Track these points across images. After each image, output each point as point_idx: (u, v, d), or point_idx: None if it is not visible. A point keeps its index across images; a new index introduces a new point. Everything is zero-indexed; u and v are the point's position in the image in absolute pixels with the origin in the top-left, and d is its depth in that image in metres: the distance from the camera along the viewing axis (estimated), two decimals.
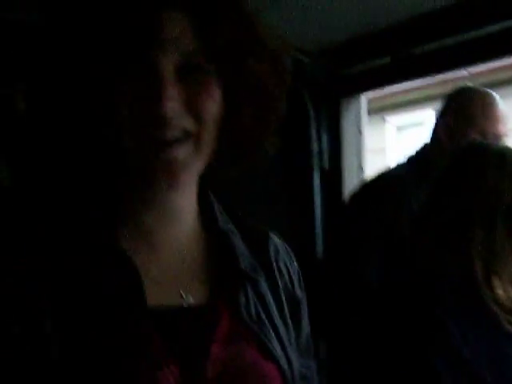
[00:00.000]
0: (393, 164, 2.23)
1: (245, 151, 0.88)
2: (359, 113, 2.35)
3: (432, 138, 2.12)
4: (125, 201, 0.83)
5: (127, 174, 0.81)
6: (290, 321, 0.92)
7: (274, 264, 0.94)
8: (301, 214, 2.22)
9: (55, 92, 0.78)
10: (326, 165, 2.24)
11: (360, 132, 2.35)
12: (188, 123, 0.77)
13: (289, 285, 0.94)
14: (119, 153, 0.78)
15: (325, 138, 2.23)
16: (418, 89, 6.38)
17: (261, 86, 0.83)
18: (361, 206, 2.04)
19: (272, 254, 0.94)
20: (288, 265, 0.96)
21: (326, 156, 2.23)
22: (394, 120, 8.24)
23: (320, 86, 2.19)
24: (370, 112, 2.55)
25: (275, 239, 0.98)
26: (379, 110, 7.32)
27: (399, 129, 8.35)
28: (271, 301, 0.89)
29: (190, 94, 0.77)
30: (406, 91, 6.68)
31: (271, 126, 0.86)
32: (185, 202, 0.85)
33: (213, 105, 0.79)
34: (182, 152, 0.77)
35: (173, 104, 0.74)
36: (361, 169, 2.34)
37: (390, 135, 8.35)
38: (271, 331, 0.86)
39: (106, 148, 0.79)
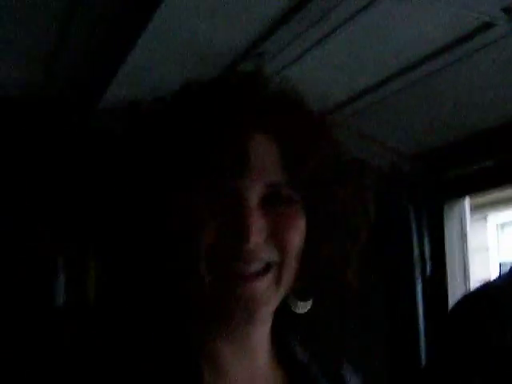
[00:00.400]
0: (495, 265, 2.09)
1: (325, 281, 0.83)
2: (463, 216, 2.24)
3: None
4: (199, 330, 0.79)
5: (202, 305, 0.77)
6: None
7: None
8: (403, 325, 2.09)
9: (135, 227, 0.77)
10: (429, 272, 2.12)
11: (464, 236, 2.23)
12: (271, 255, 0.74)
13: None
14: (193, 283, 0.75)
15: (427, 244, 2.12)
16: None
17: (345, 213, 0.79)
18: (463, 327, 1.91)
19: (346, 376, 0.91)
20: None
21: (428, 263, 2.12)
22: (496, 217, 7.92)
23: (421, 190, 2.12)
24: (471, 209, 2.44)
25: (349, 369, 0.93)
26: (480, 207, 7.06)
27: (502, 226, 7.99)
28: None
29: (274, 224, 0.74)
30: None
31: (353, 256, 0.82)
32: (261, 335, 0.81)
33: (297, 236, 0.76)
34: (261, 286, 0.73)
35: (258, 238, 0.71)
36: (466, 275, 2.21)
37: (492, 233, 8.01)
38: None
39: (180, 278, 0.76)
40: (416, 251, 2.08)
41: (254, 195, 0.72)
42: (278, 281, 0.75)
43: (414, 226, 2.08)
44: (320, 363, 0.87)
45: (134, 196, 0.75)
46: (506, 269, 2.03)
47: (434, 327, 2.10)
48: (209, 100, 0.74)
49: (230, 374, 0.78)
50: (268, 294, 0.74)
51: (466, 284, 2.19)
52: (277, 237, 0.74)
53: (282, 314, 0.83)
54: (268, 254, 0.73)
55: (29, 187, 1.95)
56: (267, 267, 0.74)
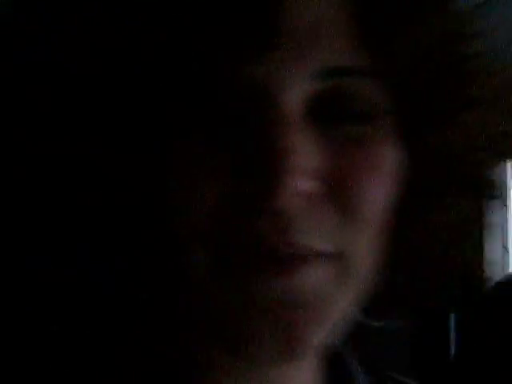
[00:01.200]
0: None
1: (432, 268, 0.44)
2: None
3: None
4: (192, 360, 0.41)
5: (196, 317, 0.39)
6: None
7: None
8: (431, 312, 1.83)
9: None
10: None
11: None
12: (328, 225, 0.36)
13: None
14: (182, 276, 0.37)
15: None
16: None
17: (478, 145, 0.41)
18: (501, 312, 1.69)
19: None
20: None
21: None
22: None
23: None
24: None
25: None
26: None
27: None
28: None
29: (335, 163, 0.36)
30: None
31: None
32: (303, 375, 0.43)
33: (381, 187, 0.38)
34: (312, 280, 0.35)
35: (302, 180, 0.33)
36: None
37: None
38: None
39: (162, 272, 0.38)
40: None
41: (294, 94, 0.34)
42: (343, 271, 0.37)
43: None
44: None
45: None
46: None
47: (465, 311, 1.85)
48: None
49: None
50: (327, 297, 0.36)
51: None
52: (341, 188, 0.36)
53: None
54: (322, 223, 0.35)
55: None
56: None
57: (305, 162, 0.33)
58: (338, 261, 0.37)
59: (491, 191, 0.42)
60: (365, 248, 0.38)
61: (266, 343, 0.35)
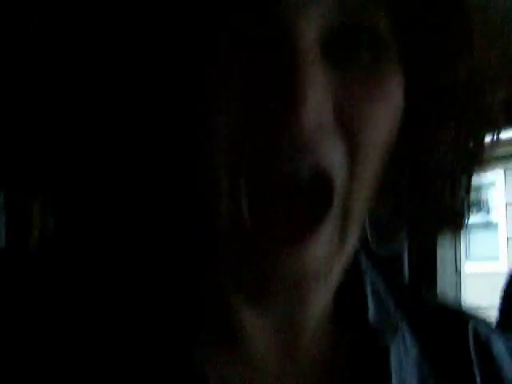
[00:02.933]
0: None
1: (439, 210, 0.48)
2: None
3: None
4: (210, 296, 0.46)
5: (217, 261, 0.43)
6: None
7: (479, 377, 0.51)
8: None
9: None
10: None
11: None
12: (338, 152, 0.40)
13: None
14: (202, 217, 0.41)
15: None
16: None
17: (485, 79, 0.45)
18: None
19: (477, 358, 0.52)
20: None
21: None
22: None
23: None
24: None
25: (484, 331, 0.54)
26: None
27: None
28: None
29: (345, 92, 0.40)
30: None
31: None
32: (315, 308, 0.47)
33: (387, 117, 0.42)
34: (317, 247, 0.40)
35: (317, 110, 0.37)
36: None
37: None
38: None
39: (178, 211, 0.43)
40: None
41: (311, 28, 0.38)
42: (343, 227, 0.41)
43: None
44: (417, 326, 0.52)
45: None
46: None
47: None
48: None
49: (256, 362, 0.47)
50: (328, 260, 0.41)
51: None
52: (350, 119, 0.39)
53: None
54: (331, 155, 0.39)
55: None
56: (328, 189, 0.40)
57: (319, 95, 0.37)
58: (342, 209, 0.41)
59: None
60: (365, 187, 0.42)
61: (279, 300, 0.41)
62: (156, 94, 0.40)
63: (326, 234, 0.40)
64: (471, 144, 0.47)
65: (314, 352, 0.49)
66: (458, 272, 1.71)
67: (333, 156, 0.39)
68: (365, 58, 0.40)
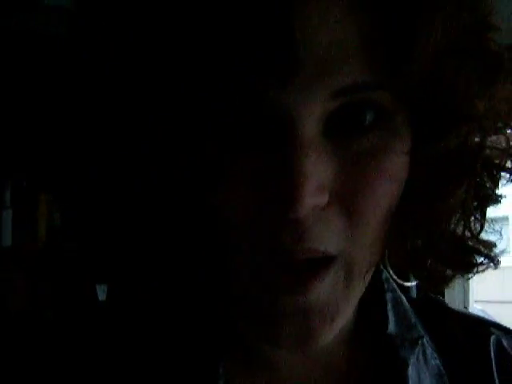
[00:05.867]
0: None
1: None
2: None
3: None
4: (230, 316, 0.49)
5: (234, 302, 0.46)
6: None
7: None
8: None
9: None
10: None
11: None
12: (336, 229, 0.41)
13: None
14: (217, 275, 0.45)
15: None
16: None
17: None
18: None
19: (498, 371, 0.51)
20: None
21: None
22: None
23: None
24: None
25: (509, 342, 0.54)
26: None
27: None
28: None
29: (346, 173, 0.40)
30: None
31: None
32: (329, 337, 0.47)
33: (388, 192, 0.42)
34: (324, 289, 0.41)
35: (315, 197, 0.38)
36: None
37: None
38: None
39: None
40: None
41: (312, 115, 0.38)
42: (348, 274, 0.42)
43: None
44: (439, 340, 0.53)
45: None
46: None
47: None
48: None
49: (275, 373, 0.49)
50: (335, 300, 0.42)
51: None
52: (350, 198, 0.41)
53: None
54: (329, 235, 0.40)
55: None
56: (327, 258, 0.41)
57: (320, 182, 0.38)
58: (344, 266, 0.42)
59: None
60: (367, 248, 0.43)
61: (287, 340, 0.42)
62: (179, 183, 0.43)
63: (331, 282, 0.41)
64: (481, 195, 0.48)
65: (330, 361, 0.50)
66: None
67: (330, 235, 0.40)
68: (368, 131, 0.41)
